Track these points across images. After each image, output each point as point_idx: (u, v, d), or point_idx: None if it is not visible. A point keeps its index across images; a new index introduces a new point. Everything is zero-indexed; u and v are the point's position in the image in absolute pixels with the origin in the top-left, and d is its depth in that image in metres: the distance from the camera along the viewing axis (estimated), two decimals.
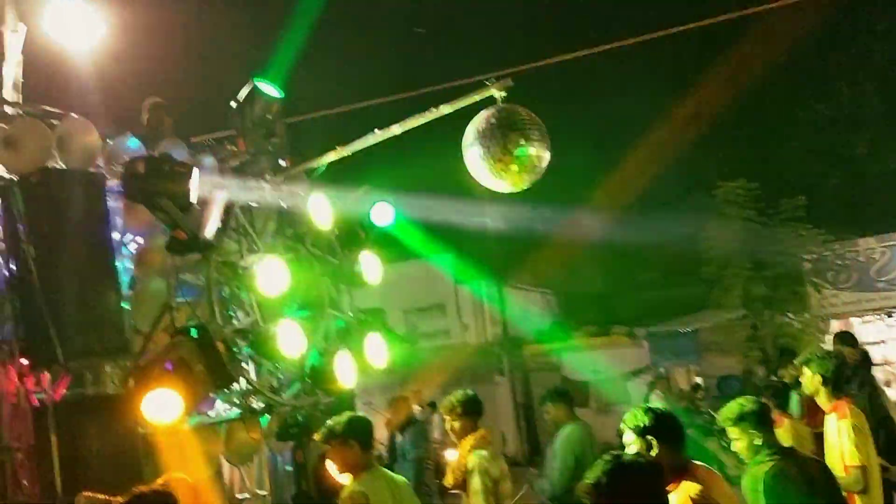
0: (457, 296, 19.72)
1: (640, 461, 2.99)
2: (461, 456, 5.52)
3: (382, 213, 6.63)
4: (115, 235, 5.90)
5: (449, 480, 5.67)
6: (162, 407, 4.57)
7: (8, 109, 5.62)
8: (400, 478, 4.83)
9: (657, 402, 10.23)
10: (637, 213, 22.20)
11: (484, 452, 5.44)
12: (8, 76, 6.48)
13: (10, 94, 6.60)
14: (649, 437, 3.58)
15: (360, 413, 5.34)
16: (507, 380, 18.93)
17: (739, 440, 4.31)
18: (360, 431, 4.57)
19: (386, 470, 4.79)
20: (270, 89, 6.16)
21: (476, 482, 5.32)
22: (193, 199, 4.81)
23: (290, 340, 5.30)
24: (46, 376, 5.35)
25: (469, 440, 5.54)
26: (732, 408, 4.34)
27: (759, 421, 4.29)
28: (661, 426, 3.62)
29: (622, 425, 3.78)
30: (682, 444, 3.69)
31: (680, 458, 3.63)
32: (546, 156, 4.83)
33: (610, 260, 25.16)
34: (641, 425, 3.61)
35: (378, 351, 6.12)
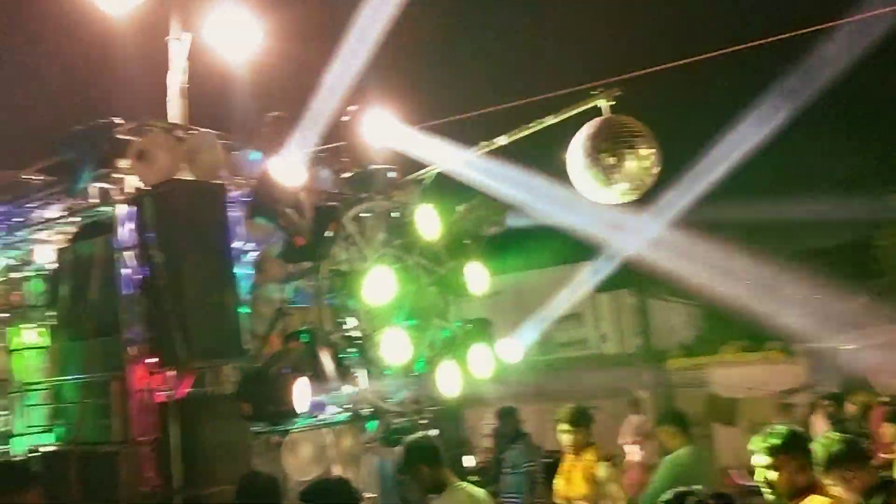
0: (594, 305, 18.81)
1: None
2: (584, 468, 5.59)
3: (493, 224, 6.66)
4: (237, 244, 6.24)
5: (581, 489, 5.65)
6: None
7: (141, 125, 6.01)
8: (481, 492, 4.81)
9: (821, 425, 9.57)
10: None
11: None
12: (173, 84, 6.99)
13: (176, 101, 7.15)
14: (779, 457, 3.63)
15: (421, 435, 5.26)
16: (649, 395, 17.89)
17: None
18: (423, 456, 4.61)
19: (467, 485, 4.77)
20: (380, 105, 6.34)
21: (617, 489, 5.42)
22: (308, 212, 5.00)
23: (396, 348, 5.42)
24: (171, 375, 5.72)
25: (592, 451, 5.62)
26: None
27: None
28: (790, 446, 3.67)
29: (751, 446, 3.78)
30: (809, 463, 3.71)
31: (808, 475, 3.66)
32: (654, 168, 4.72)
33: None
34: (770, 445, 3.66)
35: (482, 361, 6.15)
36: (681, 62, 4.72)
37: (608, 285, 18.09)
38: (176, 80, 7.32)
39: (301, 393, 5.21)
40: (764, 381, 15.83)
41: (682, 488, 2.94)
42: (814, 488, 3.63)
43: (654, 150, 4.70)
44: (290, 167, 6.28)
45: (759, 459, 3.72)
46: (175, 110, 8.32)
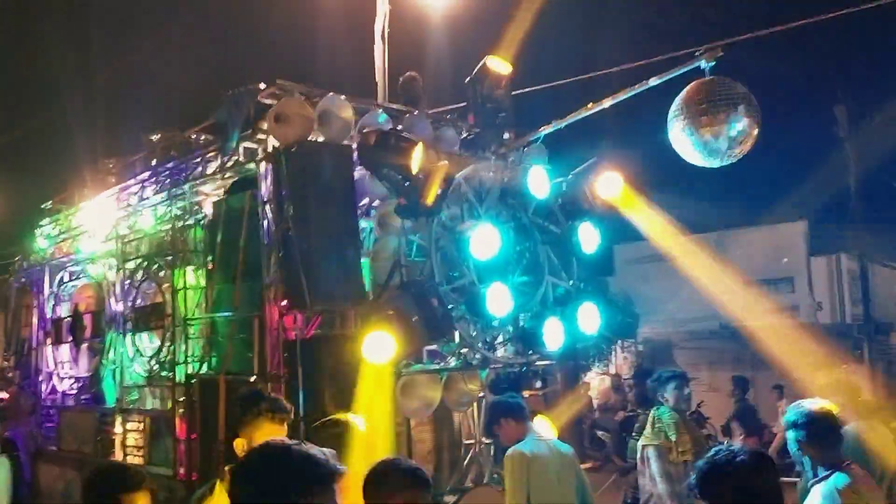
0: (809, 269, 16.88)
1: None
2: None
3: (609, 183, 6.71)
4: (365, 200, 6.74)
5: None
6: (378, 348, 5.23)
7: (279, 89, 6.59)
8: (564, 446, 5.04)
9: None
10: None
11: None
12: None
13: (378, 42, 8.13)
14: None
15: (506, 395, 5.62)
16: (865, 368, 16.16)
17: None
18: (506, 411, 4.95)
19: (551, 438, 5.03)
20: (500, 66, 6.53)
21: None
22: (415, 170, 5.35)
23: (501, 302, 5.69)
24: (301, 316, 6.35)
25: None
26: None
27: None
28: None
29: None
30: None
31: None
32: (754, 130, 4.64)
33: None
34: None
35: (590, 319, 6.30)
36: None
37: (825, 247, 16.55)
38: (379, 25, 8.14)
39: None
40: None
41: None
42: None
43: (754, 113, 4.61)
44: (411, 127, 6.70)
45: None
46: (378, 54, 9.53)
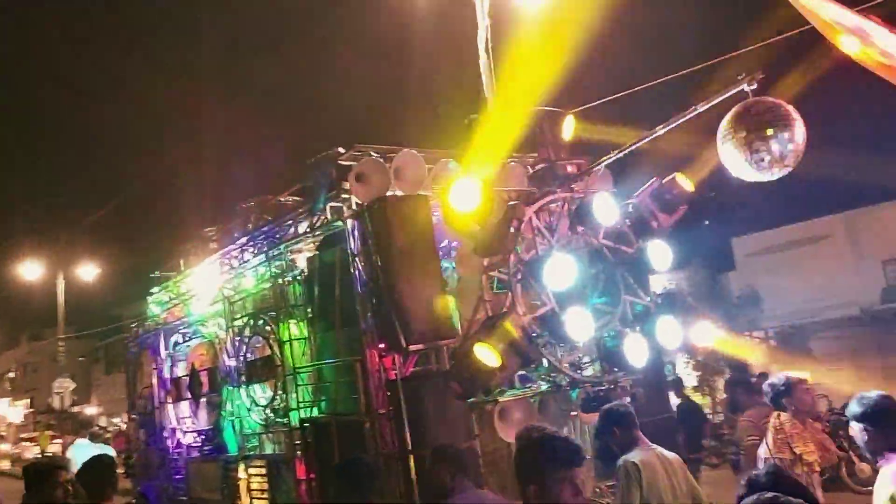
0: None
1: None
2: None
3: (676, 197, 7.00)
4: (443, 243, 7.26)
5: None
6: (487, 358, 5.67)
7: (358, 151, 7.22)
8: (671, 454, 5.34)
9: None
10: None
11: None
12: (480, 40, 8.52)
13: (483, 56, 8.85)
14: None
15: (616, 402, 5.87)
16: None
17: None
18: (616, 419, 5.23)
19: (657, 447, 5.32)
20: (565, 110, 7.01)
21: None
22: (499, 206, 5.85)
23: (579, 325, 6.07)
24: (399, 357, 6.89)
25: None
26: None
27: None
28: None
29: None
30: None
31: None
32: (799, 145, 4.93)
33: None
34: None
35: (670, 334, 6.60)
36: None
37: None
38: (482, 36, 8.80)
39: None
40: None
41: None
42: None
43: (797, 130, 4.90)
44: (482, 170, 7.20)
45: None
46: (483, 68, 10.27)
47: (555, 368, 6.65)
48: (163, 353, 11.52)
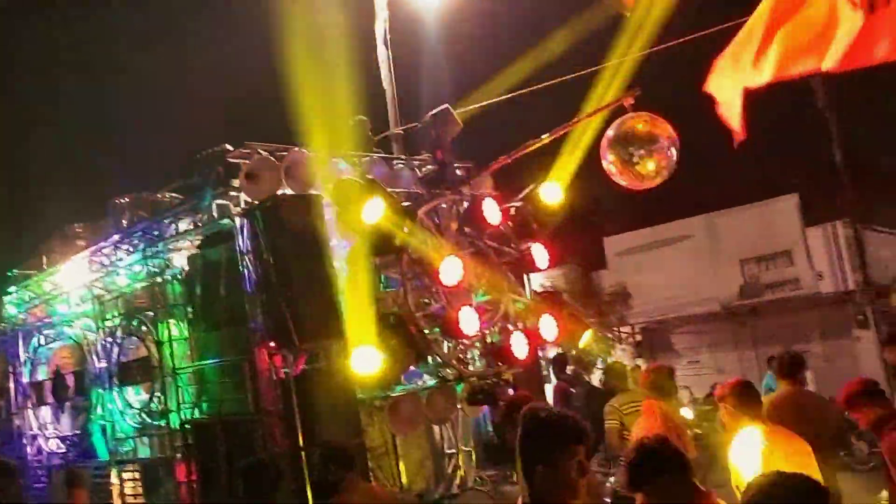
0: (806, 240, 16.80)
1: None
2: None
3: (556, 205, 7.44)
4: (333, 241, 7.33)
5: None
6: (365, 362, 5.83)
7: (247, 149, 7.16)
8: None
9: None
10: None
11: None
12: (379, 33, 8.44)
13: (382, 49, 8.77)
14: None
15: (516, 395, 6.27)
16: (871, 333, 15.94)
17: None
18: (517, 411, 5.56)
19: None
20: (454, 114, 7.26)
21: None
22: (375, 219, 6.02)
23: (469, 322, 6.36)
24: (288, 355, 6.91)
25: None
26: None
27: None
28: None
29: None
30: None
31: None
32: (672, 156, 5.44)
33: None
34: None
35: (550, 329, 7.01)
36: None
37: (819, 218, 16.12)
38: (380, 29, 8.71)
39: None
40: None
41: None
42: None
43: (671, 140, 5.40)
44: (369, 170, 7.35)
45: None
46: (382, 60, 10.14)
47: (443, 364, 6.92)
48: (22, 356, 10.85)
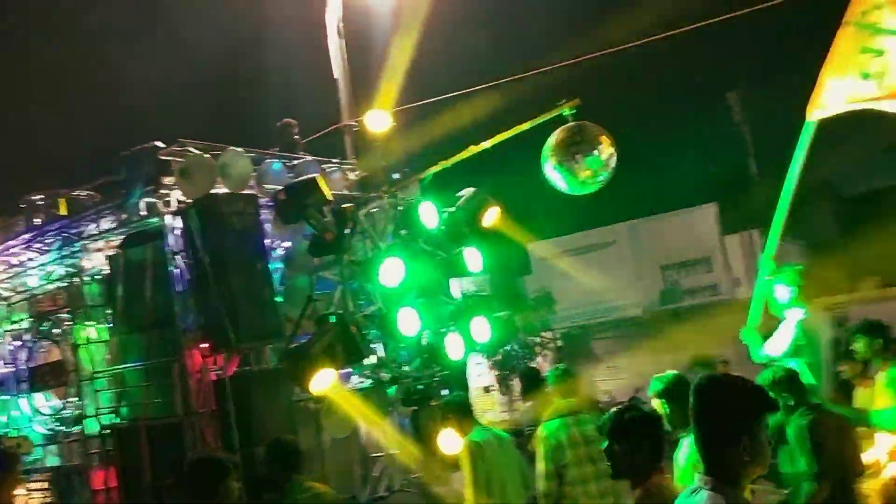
0: (724, 246, 17.15)
1: None
2: None
3: (488, 211, 7.65)
4: (268, 241, 7.29)
5: None
6: (321, 383, 5.85)
7: (180, 147, 7.04)
8: (506, 434, 5.93)
9: None
10: None
11: None
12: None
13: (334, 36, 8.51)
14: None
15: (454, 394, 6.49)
16: None
17: None
18: (456, 409, 5.73)
19: (493, 428, 5.90)
20: (386, 117, 7.34)
21: None
22: (329, 196, 6.05)
23: (408, 323, 6.46)
24: (222, 356, 6.82)
25: None
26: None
27: None
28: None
29: None
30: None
31: None
32: (611, 162, 5.75)
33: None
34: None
35: (481, 330, 7.20)
36: None
37: (737, 225, 16.54)
38: (333, 18, 8.54)
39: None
40: None
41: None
42: None
43: (609, 149, 5.72)
44: (303, 171, 7.36)
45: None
46: (334, 49, 9.84)
47: (379, 365, 6.98)
48: None
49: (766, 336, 6.34)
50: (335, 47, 9.83)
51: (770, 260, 6.17)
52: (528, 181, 6.60)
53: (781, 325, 6.25)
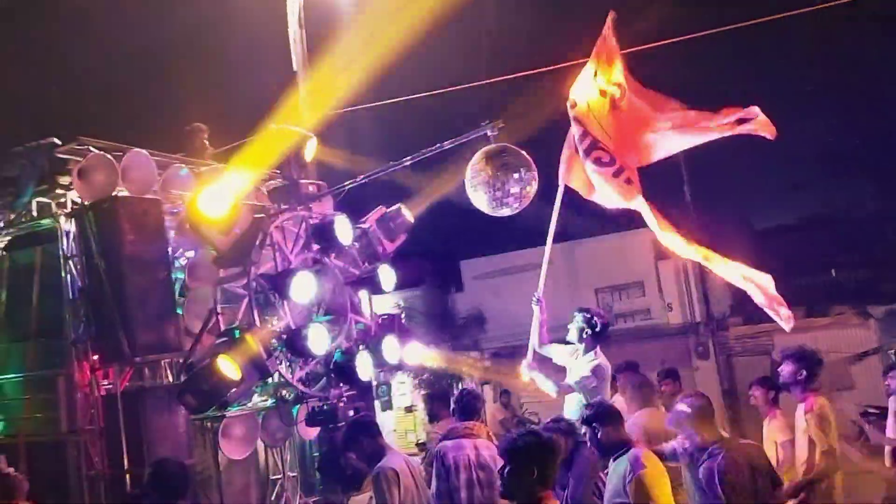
0: (658, 272, 17.16)
1: None
2: None
3: (399, 226, 7.53)
4: (171, 251, 6.90)
5: None
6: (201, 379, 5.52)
7: (79, 145, 6.60)
8: (414, 459, 5.72)
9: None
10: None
11: None
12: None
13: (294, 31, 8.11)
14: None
15: (361, 414, 6.26)
16: (711, 364, 16.79)
17: None
18: (363, 430, 5.38)
19: (403, 454, 5.65)
20: (303, 130, 7.15)
21: None
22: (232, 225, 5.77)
23: (317, 341, 6.23)
24: (113, 370, 6.39)
25: None
26: None
27: None
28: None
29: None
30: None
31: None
32: (532, 185, 5.73)
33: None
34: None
35: (392, 350, 7.03)
36: None
37: (670, 251, 17.55)
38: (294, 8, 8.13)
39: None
40: (834, 345, 14.44)
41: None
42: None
43: (531, 174, 5.71)
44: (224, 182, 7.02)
45: None
46: (295, 40, 9.29)
47: (283, 383, 6.70)
48: None
49: None
50: (295, 38, 9.38)
51: None
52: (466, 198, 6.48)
53: None
